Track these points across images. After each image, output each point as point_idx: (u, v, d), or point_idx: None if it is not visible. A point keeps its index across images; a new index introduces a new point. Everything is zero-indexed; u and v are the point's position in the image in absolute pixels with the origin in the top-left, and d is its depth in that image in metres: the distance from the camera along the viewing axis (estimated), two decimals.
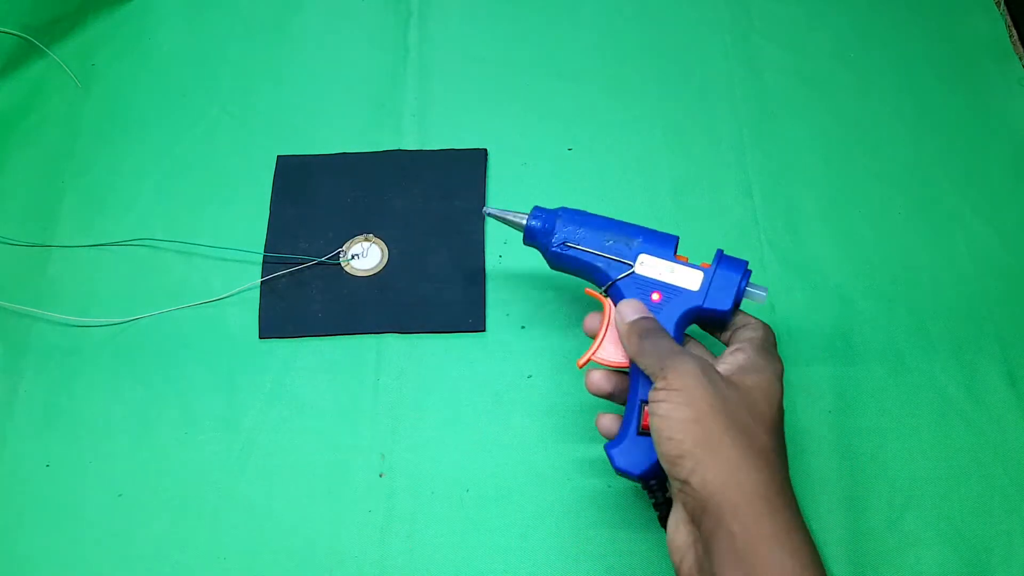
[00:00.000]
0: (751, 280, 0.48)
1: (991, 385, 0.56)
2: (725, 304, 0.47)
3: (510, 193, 0.64)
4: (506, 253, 0.61)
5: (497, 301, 0.60)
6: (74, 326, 0.59)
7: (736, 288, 0.47)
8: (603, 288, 0.50)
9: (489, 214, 0.54)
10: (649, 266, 0.49)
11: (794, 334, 0.58)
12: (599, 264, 0.49)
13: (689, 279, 0.48)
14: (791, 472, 0.53)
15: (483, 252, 0.61)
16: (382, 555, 0.52)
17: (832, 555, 0.51)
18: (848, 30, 0.71)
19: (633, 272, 0.49)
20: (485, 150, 0.66)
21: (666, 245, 0.49)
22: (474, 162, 0.65)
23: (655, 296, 0.48)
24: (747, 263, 0.48)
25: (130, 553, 0.52)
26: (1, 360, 0.58)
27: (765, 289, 0.49)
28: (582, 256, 0.50)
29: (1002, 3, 0.73)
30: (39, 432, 0.56)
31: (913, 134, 0.66)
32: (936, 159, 0.65)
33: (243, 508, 0.53)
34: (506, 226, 0.54)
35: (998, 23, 0.72)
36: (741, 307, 0.49)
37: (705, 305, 0.47)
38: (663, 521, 0.46)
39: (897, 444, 0.54)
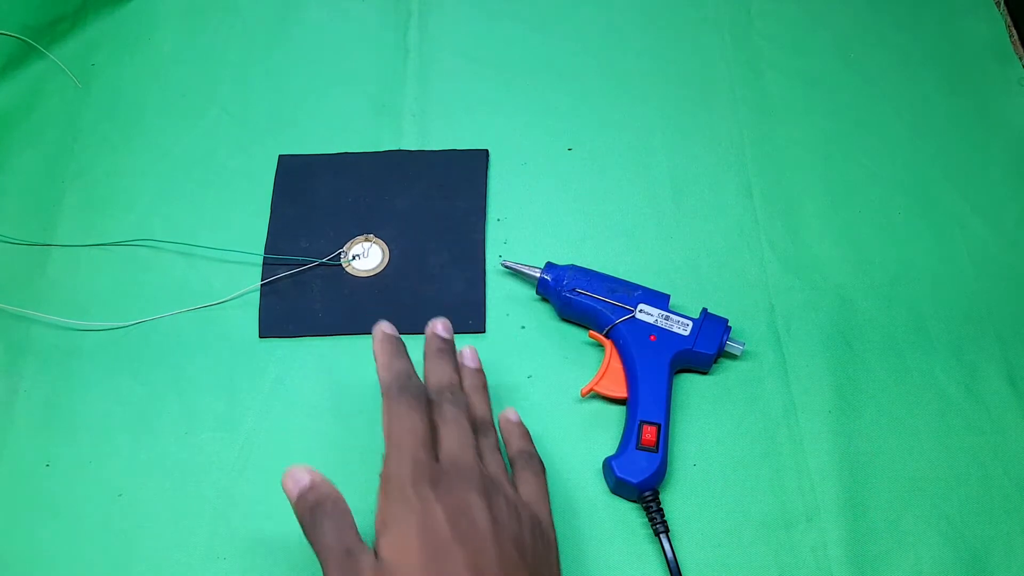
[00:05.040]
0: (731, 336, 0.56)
1: (991, 385, 0.56)
2: (711, 349, 0.54)
3: (510, 193, 0.64)
4: (506, 253, 0.61)
5: (497, 301, 0.60)
6: (74, 328, 0.59)
7: (720, 338, 0.54)
8: (605, 331, 0.55)
9: (506, 266, 0.59)
10: (647, 313, 0.55)
11: (794, 334, 0.58)
12: (604, 309, 0.55)
13: (680, 326, 0.54)
14: (790, 473, 0.54)
15: (483, 252, 0.61)
16: None
17: (832, 555, 0.51)
18: (848, 30, 0.71)
19: (633, 316, 0.55)
20: (487, 151, 0.65)
21: (661, 300, 0.56)
22: (475, 162, 0.65)
23: (652, 337, 0.54)
24: (727, 320, 0.55)
25: (130, 553, 0.52)
26: (1, 360, 0.58)
27: (743, 344, 0.56)
28: (589, 301, 0.56)
29: (1002, 3, 0.73)
30: (39, 432, 0.56)
31: (913, 134, 0.66)
32: (936, 159, 0.65)
33: (243, 508, 0.53)
34: (522, 278, 0.60)
35: (998, 23, 0.72)
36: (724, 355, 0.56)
37: (695, 348, 0.54)
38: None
39: (897, 444, 0.54)
